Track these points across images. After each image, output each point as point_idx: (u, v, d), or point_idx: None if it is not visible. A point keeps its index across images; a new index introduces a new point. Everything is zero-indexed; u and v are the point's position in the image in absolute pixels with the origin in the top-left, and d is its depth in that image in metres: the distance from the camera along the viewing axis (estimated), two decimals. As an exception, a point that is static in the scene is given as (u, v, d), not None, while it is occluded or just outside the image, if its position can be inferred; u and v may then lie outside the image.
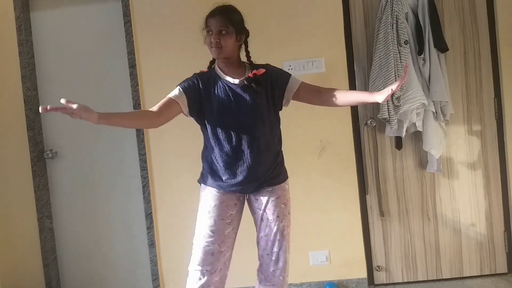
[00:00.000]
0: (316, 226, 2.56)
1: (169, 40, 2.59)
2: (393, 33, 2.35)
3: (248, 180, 1.77)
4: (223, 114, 1.75)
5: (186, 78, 1.82)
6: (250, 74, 1.76)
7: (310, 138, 2.54)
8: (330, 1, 2.51)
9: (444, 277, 2.58)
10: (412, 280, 2.59)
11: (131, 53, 2.59)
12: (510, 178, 2.53)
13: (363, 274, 2.57)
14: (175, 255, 2.62)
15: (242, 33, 1.80)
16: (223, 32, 1.71)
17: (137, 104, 2.59)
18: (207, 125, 1.79)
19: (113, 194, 2.75)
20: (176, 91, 1.77)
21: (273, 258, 1.83)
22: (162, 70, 2.58)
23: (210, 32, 1.73)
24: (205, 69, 1.87)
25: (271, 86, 1.78)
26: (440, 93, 2.36)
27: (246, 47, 1.85)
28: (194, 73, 1.83)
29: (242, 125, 1.74)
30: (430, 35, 2.38)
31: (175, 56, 2.58)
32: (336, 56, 2.52)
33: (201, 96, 1.76)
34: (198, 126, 2.59)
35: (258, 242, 1.88)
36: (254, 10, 2.54)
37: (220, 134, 1.76)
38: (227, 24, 1.72)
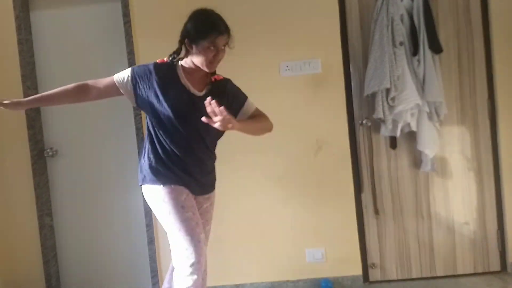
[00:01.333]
0: (312, 224, 2.60)
1: (169, 41, 2.58)
2: (388, 34, 2.38)
3: (194, 182, 1.81)
4: (177, 117, 1.71)
5: (142, 65, 1.78)
6: (215, 77, 1.81)
7: (306, 138, 2.58)
8: (326, 3, 2.54)
9: (438, 275, 2.61)
10: (406, 278, 2.63)
11: (130, 53, 2.62)
12: (503, 177, 2.57)
13: (358, 271, 2.61)
14: (173, 252, 2.65)
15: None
16: (225, 47, 1.72)
17: (136, 103, 2.62)
18: (153, 119, 1.76)
19: (112, 192, 2.79)
20: (124, 77, 1.75)
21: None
22: (161, 70, 2.61)
23: (212, 48, 1.68)
24: (163, 59, 1.81)
25: (227, 102, 1.74)
26: (434, 93, 2.40)
27: None
28: (154, 63, 1.78)
29: (193, 132, 1.74)
30: (424, 36, 2.41)
31: (173, 56, 2.60)
32: (332, 57, 2.55)
33: (151, 90, 1.72)
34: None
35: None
36: (251, 11, 2.57)
37: (171, 133, 1.74)
38: (229, 40, 1.72)
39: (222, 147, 2.59)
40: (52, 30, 2.78)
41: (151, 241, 2.65)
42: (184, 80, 1.77)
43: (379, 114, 2.40)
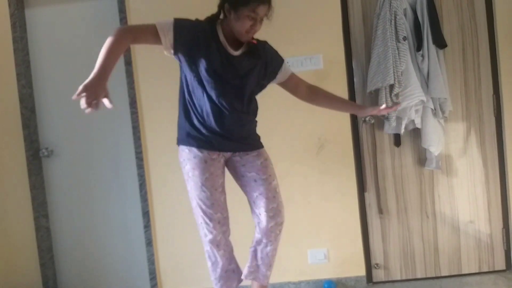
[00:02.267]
0: (314, 224, 2.55)
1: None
2: (391, 29, 2.33)
3: (229, 138, 1.79)
4: (212, 76, 1.71)
5: (183, 18, 1.73)
6: (254, 40, 1.78)
7: (309, 136, 2.53)
8: (328, -3, 2.49)
9: (442, 275, 2.57)
10: (410, 278, 2.59)
11: (127, 50, 2.56)
12: (508, 175, 2.53)
13: (362, 271, 2.56)
14: (172, 253, 2.60)
15: None
16: (261, 19, 1.68)
17: (133, 101, 2.57)
18: (191, 73, 1.73)
19: (109, 193, 2.73)
20: (167, 23, 1.68)
21: (271, 214, 1.84)
22: (159, 67, 2.56)
23: (252, 16, 1.63)
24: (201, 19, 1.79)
25: (265, 63, 1.82)
26: (439, 89, 2.35)
27: None
28: (197, 19, 1.76)
29: (229, 90, 1.74)
30: (428, 31, 2.36)
31: (171, 53, 2.55)
32: (335, 53, 2.50)
33: (189, 42, 1.69)
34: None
35: (253, 202, 1.88)
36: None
37: (206, 89, 1.73)
38: (270, 9, 1.69)
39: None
40: (47, 27, 2.73)
41: (149, 242, 2.60)
42: (222, 37, 1.74)
43: (382, 111, 2.35)
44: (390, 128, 2.42)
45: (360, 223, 2.55)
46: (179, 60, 1.76)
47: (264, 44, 1.87)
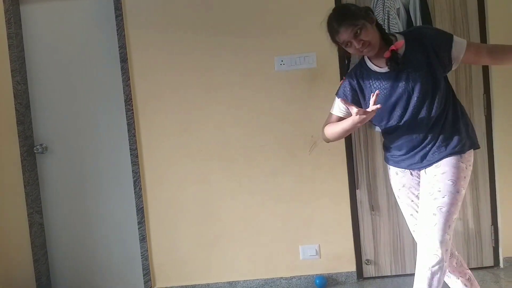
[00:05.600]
0: (306, 220, 2.58)
1: (161, 34, 2.57)
2: (385, 29, 2.35)
3: (410, 154, 1.73)
4: (383, 104, 1.66)
5: (340, 85, 1.80)
6: (386, 55, 1.61)
7: (302, 134, 2.56)
8: (322, -4, 2.51)
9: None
10: (400, 273, 2.63)
11: (122, 47, 2.57)
12: (497, 173, 2.57)
13: (352, 267, 2.60)
14: (166, 249, 2.63)
15: (370, 15, 1.64)
16: (358, 31, 1.58)
17: (128, 98, 2.58)
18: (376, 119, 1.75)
19: (104, 189, 2.75)
20: (335, 106, 1.80)
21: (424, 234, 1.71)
22: (154, 64, 2.57)
23: (348, 44, 1.62)
24: (352, 63, 1.85)
25: (432, 52, 1.62)
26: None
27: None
28: (345, 76, 1.80)
29: (401, 108, 1.68)
30: (420, 31, 2.39)
31: (166, 50, 2.57)
32: (328, 51, 2.50)
33: (358, 95, 1.75)
34: (190, 120, 2.61)
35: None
36: (246, 4, 2.53)
37: (383, 116, 1.73)
38: (355, 23, 1.58)
39: (215, 142, 2.57)
40: (42, 24, 2.72)
41: (143, 238, 2.62)
42: (371, 65, 1.71)
43: (374, 109, 2.38)
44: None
45: (352, 220, 2.59)
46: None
47: (413, 40, 1.66)
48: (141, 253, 2.65)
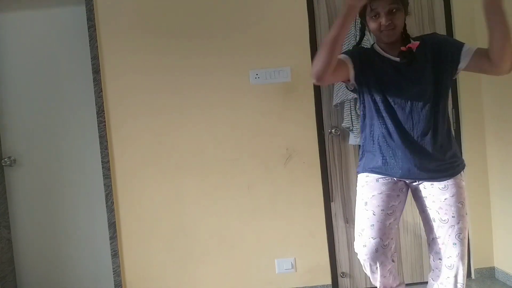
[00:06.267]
0: (281, 234, 2.58)
1: (134, 45, 2.55)
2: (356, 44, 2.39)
3: (412, 164, 1.63)
4: (385, 88, 1.63)
5: (352, 48, 1.78)
6: (403, 48, 1.61)
7: (277, 146, 2.56)
8: (295, 10, 2.54)
9: (406, 282, 2.64)
10: (374, 286, 2.63)
11: (95, 58, 2.53)
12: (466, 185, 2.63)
13: (328, 280, 2.60)
14: (138, 265, 2.57)
15: (407, 7, 1.62)
16: (394, 10, 1.55)
17: (100, 110, 2.53)
18: (367, 95, 1.68)
19: (74, 203, 2.68)
20: (345, 55, 1.66)
21: (448, 265, 1.69)
22: (127, 75, 2.54)
23: (377, 16, 1.56)
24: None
25: (438, 57, 1.61)
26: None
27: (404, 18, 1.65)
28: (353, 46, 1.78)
29: (406, 100, 1.61)
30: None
31: (140, 61, 2.54)
32: (302, 65, 2.55)
33: (362, 63, 1.65)
34: (163, 133, 2.57)
35: (429, 245, 1.76)
36: (218, 17, 2.54)
37: (381, 107, 1.64)
38: (397, 1, 1.55)
39: (189, 155, 2.55)
40: (14, 33, 2.66)
41: (115, 254, 2.56)
42: (381, 52, 1.68)
43: (347, 123, 2.42)
44: (354, 139, 2.48)
45: (327, 233, 2.59)
46: (358, 90, 1.76)
47: (425, 42, 1.66)
48: (113, 269, 2.58)
